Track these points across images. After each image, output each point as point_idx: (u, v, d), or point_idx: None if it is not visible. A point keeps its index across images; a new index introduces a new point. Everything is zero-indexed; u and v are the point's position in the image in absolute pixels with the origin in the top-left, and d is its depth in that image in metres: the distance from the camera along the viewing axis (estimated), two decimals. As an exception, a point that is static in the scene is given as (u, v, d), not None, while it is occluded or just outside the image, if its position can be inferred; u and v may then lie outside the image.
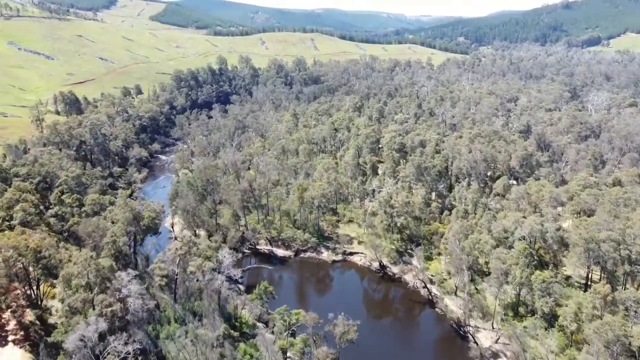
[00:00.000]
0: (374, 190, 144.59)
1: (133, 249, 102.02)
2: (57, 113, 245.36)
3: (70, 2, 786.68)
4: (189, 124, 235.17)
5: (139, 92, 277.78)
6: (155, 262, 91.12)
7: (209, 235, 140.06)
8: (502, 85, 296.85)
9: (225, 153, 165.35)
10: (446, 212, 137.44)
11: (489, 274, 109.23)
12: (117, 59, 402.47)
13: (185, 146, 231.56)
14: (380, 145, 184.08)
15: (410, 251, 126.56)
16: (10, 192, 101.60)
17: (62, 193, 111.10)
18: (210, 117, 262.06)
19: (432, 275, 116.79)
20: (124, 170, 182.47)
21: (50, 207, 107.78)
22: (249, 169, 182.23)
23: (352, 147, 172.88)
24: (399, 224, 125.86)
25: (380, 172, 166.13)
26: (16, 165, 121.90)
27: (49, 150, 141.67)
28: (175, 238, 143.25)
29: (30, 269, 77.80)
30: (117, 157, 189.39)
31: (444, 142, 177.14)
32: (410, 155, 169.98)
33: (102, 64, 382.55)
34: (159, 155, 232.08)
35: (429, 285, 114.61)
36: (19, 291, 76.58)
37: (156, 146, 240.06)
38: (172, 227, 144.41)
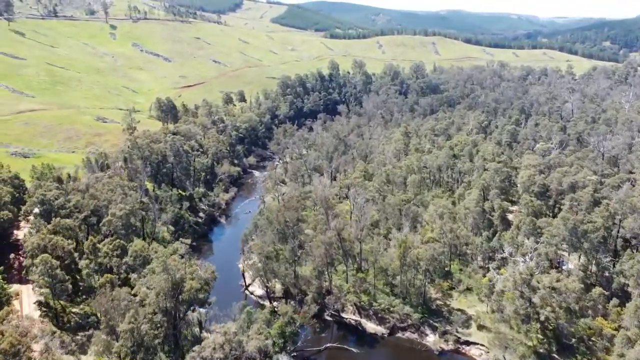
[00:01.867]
0: (503, 257, 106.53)
1: (174, 325, 77.31)
2: (159, 119, 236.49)
3: (199, 5, 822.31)
4: (287, 138, 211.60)
5: (242, 98, 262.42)
6: None
7: (285, 291, 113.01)
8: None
9: (319, 183, 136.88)
10: (614, 301, 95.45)
11: None
12: (230, 62, 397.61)
13: (279, 162, 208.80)
14: (513, 180, 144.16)
15: (556, 356, 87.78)
16: (37, 236, 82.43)
17: (106, 236, 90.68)
18: (311, 130, 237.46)
19: (594, 409, 77.51)
20: (206, 192, 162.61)
21: (84, 256, 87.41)
22: (346, 197, 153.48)
23: (475, 187, 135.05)
24: (542, 317, 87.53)
25: (512, 219, 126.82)
26: (63, 194, 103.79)
27: (108, 175, 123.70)
28: (247, 287, 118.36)
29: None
30: (203, 174, 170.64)
31: (602, 183, 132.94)
32: (556, 203, 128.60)
33: (214, 67, 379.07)
34: (253, 171, 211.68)
35: None
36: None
37: (252, 160, 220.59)
38: (244, 275, 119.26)
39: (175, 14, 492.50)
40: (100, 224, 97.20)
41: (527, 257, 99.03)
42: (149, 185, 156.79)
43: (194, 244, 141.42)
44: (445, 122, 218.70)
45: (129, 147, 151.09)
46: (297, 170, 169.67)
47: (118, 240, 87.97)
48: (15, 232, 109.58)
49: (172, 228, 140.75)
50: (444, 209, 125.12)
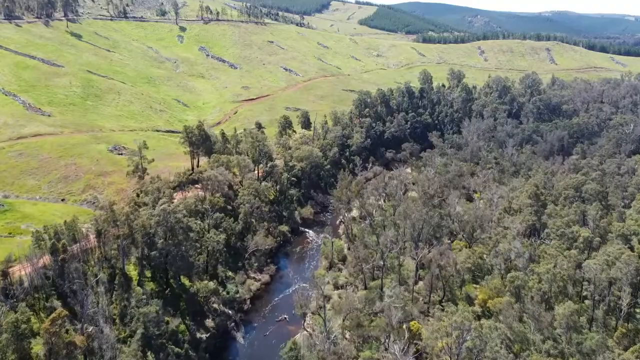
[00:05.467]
0: None
1: None
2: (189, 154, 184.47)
3: (285, 7, 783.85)
4: (354, 184, 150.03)
5: (306, 121, 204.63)
6: None
7: None
8: None
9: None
10: None
11: None
12: (303, 70, 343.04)
13: (343, 221, 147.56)
14: None
15: None
16: None
17: None
18: (389, 168, 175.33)
19: None
20: (218, 287, 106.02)
21: None
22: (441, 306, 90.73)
23: None
24: None
25: None
26: None
27: None
28: None
29: None
30: (222, 254, 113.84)
31: None
32: None
33: (284, 76, 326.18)
34: (307, 231, 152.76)
35: None
36: None
37: (308, 211, 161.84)
38: None
39: (249, 15, 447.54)
40: None
41: None
42: (133, 273, 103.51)
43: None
44: (593, 174, 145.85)
45: (105, 215, 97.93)
46: (364, 259, 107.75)
47: None
48: None
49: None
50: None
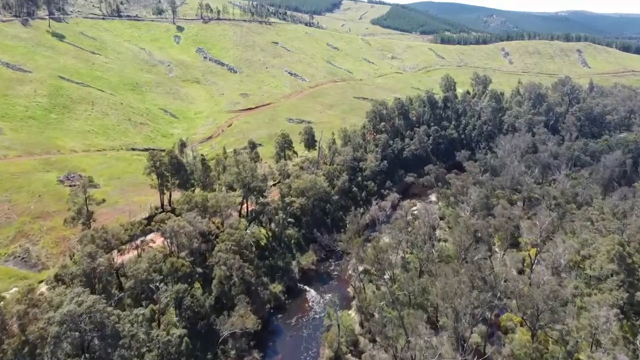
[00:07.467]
0: None
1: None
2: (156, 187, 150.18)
3: (294, 6, 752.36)
4: (358, 240, 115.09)
5: (310, 139, 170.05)
6: None
7: None
8: None
9: None
10: None
11: None
12: (310, 75, 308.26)
13: (354, 281, 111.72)
14: None
15: None
16: None
17: None
18: (409, 194, 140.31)
19: None
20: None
21: None
22: None
23: None
24: None
25: None
26: None
27: None
28: None
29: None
30: (172, 356, 78.87)
31: None
32: None
33: (288, 81, 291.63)
34: (307, 289, 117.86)
35: None
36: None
37: (309, 259, 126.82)
38: None
39: (253, 14, 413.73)
40: None
41: None
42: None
43: None
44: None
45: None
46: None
47: None
48: None
49: None
50: None
